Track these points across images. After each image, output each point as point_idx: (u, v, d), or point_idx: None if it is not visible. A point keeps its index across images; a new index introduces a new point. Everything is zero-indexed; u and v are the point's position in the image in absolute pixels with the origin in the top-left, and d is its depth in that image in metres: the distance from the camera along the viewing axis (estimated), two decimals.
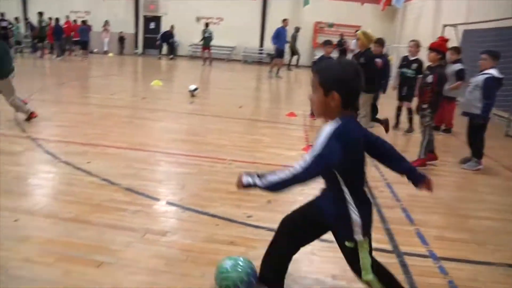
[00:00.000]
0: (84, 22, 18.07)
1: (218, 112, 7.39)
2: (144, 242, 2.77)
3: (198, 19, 20.01)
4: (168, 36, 19.32)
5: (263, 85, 12.86)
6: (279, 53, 13.94)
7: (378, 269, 1.90)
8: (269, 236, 2.16)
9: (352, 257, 1.86)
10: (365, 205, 1.84)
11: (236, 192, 2.51)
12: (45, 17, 17.09)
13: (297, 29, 17.25)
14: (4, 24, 16.57)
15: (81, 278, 2.33)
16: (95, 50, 20.28)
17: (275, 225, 2.13)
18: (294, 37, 17.12)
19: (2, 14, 17.13)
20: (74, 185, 3.69)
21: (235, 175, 1.92)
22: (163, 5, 20.97)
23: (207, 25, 17.23)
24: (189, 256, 2.63)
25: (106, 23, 20.36)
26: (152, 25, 21.79)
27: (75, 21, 18.88)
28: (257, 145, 5.47)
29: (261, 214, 3.28)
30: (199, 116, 7.13)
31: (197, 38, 17.87)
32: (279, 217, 2.13)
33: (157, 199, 3.53)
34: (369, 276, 1.85)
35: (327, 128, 1.69)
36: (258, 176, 1.79)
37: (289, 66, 17.23)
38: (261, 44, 20.83)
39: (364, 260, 1.84)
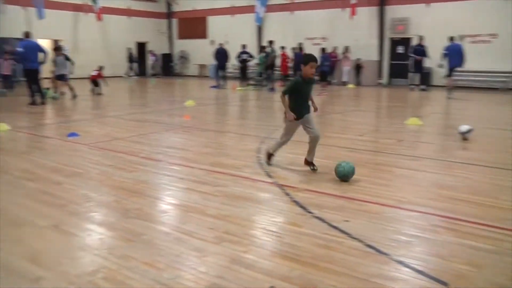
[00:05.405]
0: (323, 50, 19.49)
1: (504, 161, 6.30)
2: None
3: (461, 37, 18.09)
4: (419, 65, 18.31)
5: None
6: None
7: None
8: None
9: None
10: None
11: None
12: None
13: None
14: (244, 56, 19.57)
15: None
16: (334, 80, 21.57)
17: None
18: None
19: (244, 46, 20.08)
20: (332, 249, 3.50)
21: None
22: (415, 24, 20.48)
23: None
24: None
25: (346, 49, 21.39)
26: (400, 49, 21.69)
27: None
28: None
29: None
30: (480, 168, 6.15)
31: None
32: None
33: (443, 283, 2.96)
34: None
35: None
36: None
37: None
38: None
39: None
